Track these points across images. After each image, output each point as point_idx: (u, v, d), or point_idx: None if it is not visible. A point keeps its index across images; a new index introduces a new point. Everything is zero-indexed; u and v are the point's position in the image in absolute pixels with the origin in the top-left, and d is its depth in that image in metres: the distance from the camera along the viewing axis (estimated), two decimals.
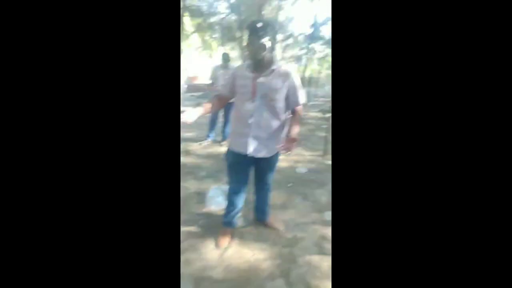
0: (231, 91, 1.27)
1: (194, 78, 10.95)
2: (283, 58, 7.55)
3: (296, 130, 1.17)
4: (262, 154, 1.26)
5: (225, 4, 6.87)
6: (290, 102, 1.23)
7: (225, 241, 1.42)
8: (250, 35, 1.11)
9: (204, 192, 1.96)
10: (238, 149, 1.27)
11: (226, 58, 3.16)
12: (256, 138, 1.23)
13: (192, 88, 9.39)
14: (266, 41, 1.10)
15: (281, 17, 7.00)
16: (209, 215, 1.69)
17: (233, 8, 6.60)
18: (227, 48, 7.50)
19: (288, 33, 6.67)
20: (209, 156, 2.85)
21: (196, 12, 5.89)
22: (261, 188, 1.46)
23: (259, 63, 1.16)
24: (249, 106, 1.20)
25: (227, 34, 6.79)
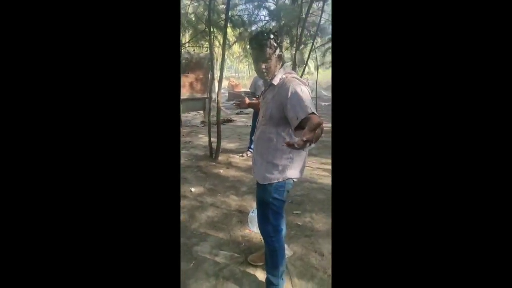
0: None
1: (235, 85, 11.34)
2: (323, 64, 7.27)
3: (307, 135, 0.76)
4: (257, 177, 1.13)
5: (265, 12, 6.99)
6: (290, 119, 0.95)
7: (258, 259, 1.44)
8: (250, 47, 1.01)
9: (246, 211, 2.00)
10: None
11: None
12: (255, 158, 1.13)
13: (233, 96, 9.73)
14: (267, 51, 0.98)
15: (322, 20, 6.76)
16: (251, 239, 1.70)
17: (272, 15, 6.65)
18: None
19: (328, 36, 6.39)
20: (250, 170, 2.90)
21: (237, 23, 6.13)
22: (260, 227, 1.18)
23: (264, 77, 1.04)
24: (258, 123, 1.14)
25: None
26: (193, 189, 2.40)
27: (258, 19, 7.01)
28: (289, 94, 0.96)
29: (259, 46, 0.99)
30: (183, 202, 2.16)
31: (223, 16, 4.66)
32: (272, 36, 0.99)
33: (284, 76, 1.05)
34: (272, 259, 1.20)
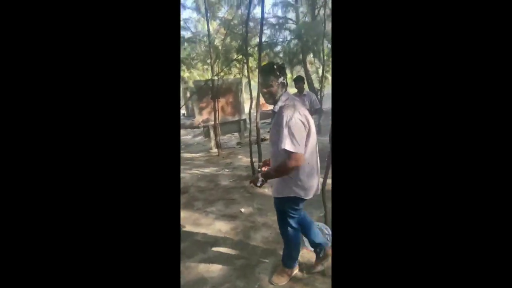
0: None
1: (263, 104, 11.57)
2: None
3: (268, 170, 1.24)
4: (273, 191, 1.34)
5: (286, 32, 7.29)
6: (279, 142, 1.13)
7: (281, 280, 1.46)
8: (259, 77, 1.27)
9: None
10: None
11: (299, 79, 3.30)
12: None
13: (264, 115, 9.93)
14: (271, 81, 1.17)
15: None
16: (309, 259, 1.70)
17: (294, 34, 6.89)
18: (294, 72, 7.78)
19: None
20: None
21: (264, 46, 6.53)
22: (281, 233, 1.45)
23: (273, 103, 1.23)
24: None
25: (292, 58, 7.11)
26: (243, 210, 2.48)
27: (280, 39, 7.32)
28: (279, 121, 1.12)
29: (261, 73, 1.21)
30: (235, 223, 2.24)
31: (251, 43, 4.98)
32: (275, 66, 1.18)
33: (283, 104, 1.17)
34: (287, 252, 1.45)
